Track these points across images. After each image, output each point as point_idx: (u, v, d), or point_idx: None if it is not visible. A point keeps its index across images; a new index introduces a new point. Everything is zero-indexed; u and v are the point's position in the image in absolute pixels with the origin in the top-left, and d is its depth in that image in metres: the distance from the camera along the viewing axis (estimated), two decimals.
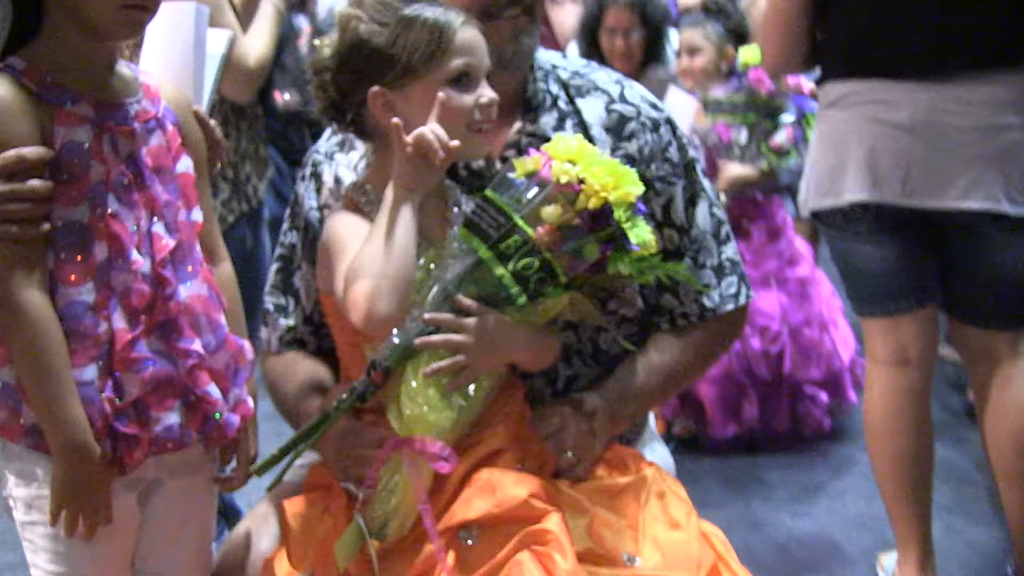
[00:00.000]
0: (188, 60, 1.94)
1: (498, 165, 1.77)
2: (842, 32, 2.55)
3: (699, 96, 3.77)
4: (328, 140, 1.93)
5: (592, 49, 4.01)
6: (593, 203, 1.54)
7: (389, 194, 1.58)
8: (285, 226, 1.95)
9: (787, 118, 3.65)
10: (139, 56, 1.84)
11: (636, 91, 1.91)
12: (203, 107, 1.89)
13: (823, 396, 3.68)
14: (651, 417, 2.08)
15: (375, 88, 1.64)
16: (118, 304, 1.54)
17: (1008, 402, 2.55)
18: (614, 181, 1.56)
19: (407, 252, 1.55)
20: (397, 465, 1.55)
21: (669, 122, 1.90)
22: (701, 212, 1.90)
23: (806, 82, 3.63)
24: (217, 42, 2.20)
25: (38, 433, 1.53)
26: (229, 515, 2.86)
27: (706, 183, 1.94)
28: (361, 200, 1.69)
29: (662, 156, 1.86)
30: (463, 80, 1.63)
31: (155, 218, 1.59)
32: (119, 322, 1.53)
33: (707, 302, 1.89)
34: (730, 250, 1.94)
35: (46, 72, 1.53)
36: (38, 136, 1.50)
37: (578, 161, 1.57)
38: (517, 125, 1.83)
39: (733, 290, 1.91)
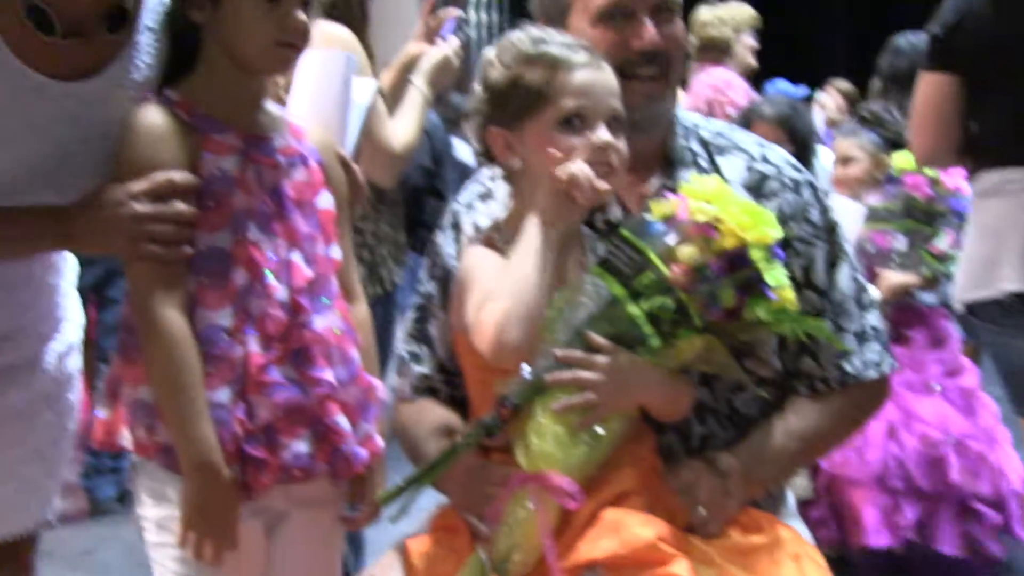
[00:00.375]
0: (335, 106, 2.01)
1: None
2: (998, 121, 2.52)
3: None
4: (469, 191, 1.97)
5: None
6: (729, 243, 1.53)
7: (529, 227, 1.59)
8: (423, 275, 1.98)
9: (946, 223, 3.54)
10: (287, 99, 1.92)
11: (778, 153, 1.92)
12: (347, 153, 1.94)
13: (995, 516, 3.40)
14: (790, 495, 2.01)
15: (493, 129, 1.68)
16: (254, 329, 1.58)
17: None
18: (751, 221, 1.55)
19: (540, 283, 1.56)
20: (522, 500, 1.53)
21: (811, 184, 1.89)
22: (843, 276, 1.87)
23: (965, 184, 3.49)
24: (363, 91, 2.27)
25: (171, 452, 1.56)
26: (355, 545, 2.87)
27: (849, 248, 1.91)
28: (496, 237, 1.71)
29: (803, 217, 1.85)
30: (575, 122, 1.63)
31: (294, 249, 1.63)
32: (254, 347, 1.57)
33: (848, 368, 1.83)
34: (873, 317, 1.89)
35: (198, 104, 1.60)
36: (187, 162, 1.57)
37: (715, 201, 1.56)
38: (656, 181, 1.84)
39: (875, 358, 1.86)
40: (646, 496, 1.58)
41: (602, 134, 1.63)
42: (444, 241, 1.95)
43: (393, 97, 2.85)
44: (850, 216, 3.55)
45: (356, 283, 1.82)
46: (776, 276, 1.56)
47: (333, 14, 2.69)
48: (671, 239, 1.55)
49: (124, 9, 1.65)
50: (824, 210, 1.88)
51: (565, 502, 1.50)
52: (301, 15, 1.61)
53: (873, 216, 3.61)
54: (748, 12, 5.05)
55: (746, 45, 5.02)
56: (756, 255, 1.53)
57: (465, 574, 1.53)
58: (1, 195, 1.62)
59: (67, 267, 1.88)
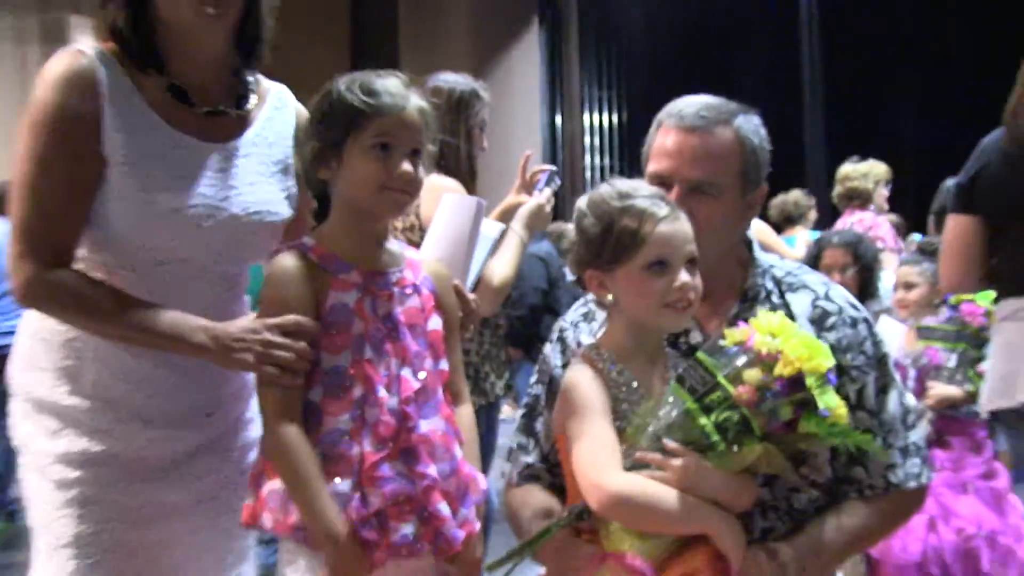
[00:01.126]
0: (463, 243, 2.16)
1: None
2: (1013, 257, 2.66)
3: (911, 324, 3.85)
4: (575, 311, 2.06)
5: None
6: (788, 371, 1.60)
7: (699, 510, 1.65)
8: (533, 379, 2.06)
9: (990, 349, 3.51)
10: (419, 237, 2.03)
11: (840, 292, 1.98)
12: (470, 281, 2.02)
13: None
14: None
15: (590, 271, 1.77)
16: (369, 432, 1.69)
17: None
18: (808, 353, 1.62)
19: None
20: (603, 574, 1.61)
21: (867, 321, 1.95)
22: (892, 400, 1.93)
23: None
24: (492, 228, 2.42)
25: (303, 529, 1.67)
26: None
27: (897, 376, 1.97)
28: (593, 356, 1.78)
29: (858, 348, 1.91)
30: (658, 267, 1.71)
31: (404, 365, 1.74)
32: (368, 447, 1.68)
33: (892, 478, 1.90)
34: (915, 435, 1.95)
35: (329, 247, 1.74)
36: (315, 298, 1.71)
37: (778, 335, 1.65)
38: (734, 311, 1.92)
39: (916, 470, 1.92)
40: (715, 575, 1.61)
41: (682, 276, 1.71)
42: (552, 353, 2.04)
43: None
44: (893, 335, 3.74)
45: (463, 388, 1.88)
46: (828, 400, 1.61)
47: (442, 166, 2.87)
48: (740, 362, 1.63)
49: (248, 91, 1.87)
50: (876, 343, 1.94)
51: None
52: (407, 165, 1.71)
53: (929, 335, 3.74)
54: (883, 168, 5.77)
55: (881, 195, 5.78)
56: (810, 382, 1.60)
57: None
58: (156, 248, 1.78)
59: None
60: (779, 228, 6.51)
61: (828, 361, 1.62)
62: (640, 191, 1.77)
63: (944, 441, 3.69)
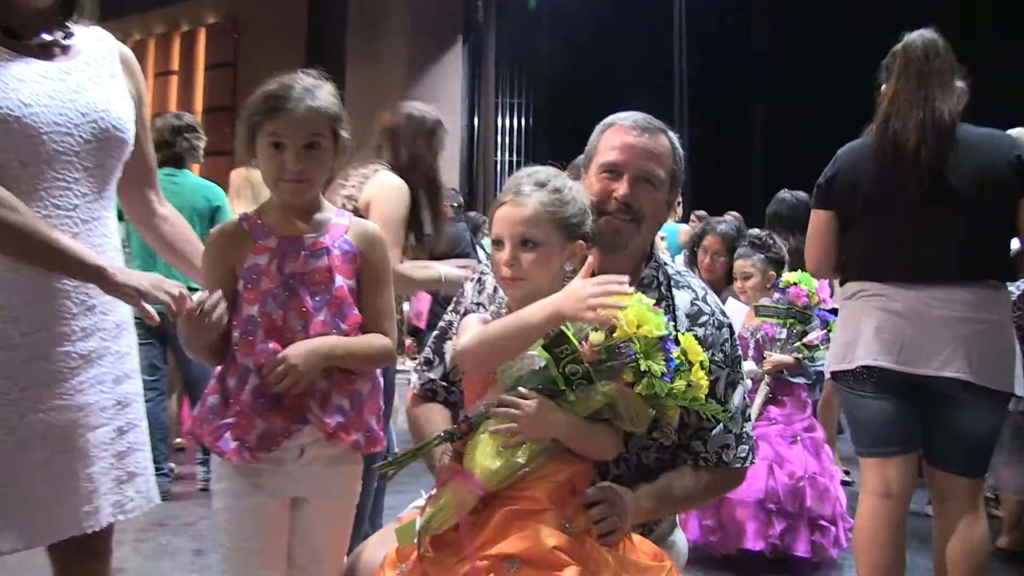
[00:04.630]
0: None
1: None
2: (855, 250, 2.66)
3: (751, 305, 3.84)
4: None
5: (693, 260, 4.18)
6: (618, 335, 1.55)
7: (540, 304, 1.59)
8: (450, 307, 2.04)
9: (815, 323, 3.71)
10: None
11: (714, 299, 1.98)
12: None
13: (833, 529, 3.54)
14: (680, 539, 2.06)
15: None
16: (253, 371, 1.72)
17: (961, 538, 2.50)
18: (638, 321, 1.55)
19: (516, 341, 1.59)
20: (450, 486, 1.57)
21: (730, 328, 1.96)
22: (737, 394, 1.93)
23: (828, 298, 3.73)
24: None
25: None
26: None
27: (744, 376, 1.98)
28: (494, 310, 1.77)
29: (719, 347, 1.90)
30: (496, 244, 1.70)
31: (297, 318, 1.73)
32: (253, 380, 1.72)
33: (725, 456, 1.90)
34: (749, 427, 1.95)
35: (261, 218, 1.77)
36: (240, 257, 1.74)
37: (629, 309, 1.57)
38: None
39: (744, 455, 1.93)
40: (559, 512, 1.56)
41: (505, 254, 1.67)
42: (470, 290, 2.01)
43: None
44: (737, 314, 3.75)
45: (387, 328, 1.83)
46: (651, 365, 1.54)
47: (404, 171, 2.94)
48: (591, 327, 1.57)
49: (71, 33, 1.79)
50: (733, 346, 1.95)
51: (473, 491, 1.52)
52: (296, 161, 1.71)
53: (765, 312, 3.76)
54: None
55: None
56: (636, 346, 1.55)
57: (404, 527, 1.60)
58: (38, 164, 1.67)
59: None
60: None
61: (658, 330, 1.55)
62: (524, 177, 1.72)
63: (777, 400, 3.73)
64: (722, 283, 4.01)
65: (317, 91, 1.73)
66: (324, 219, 1.80)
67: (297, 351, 1.70)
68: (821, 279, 3.57)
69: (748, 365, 3.61)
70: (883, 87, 2.67)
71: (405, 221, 2.90)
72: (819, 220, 2.73)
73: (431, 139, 3.09)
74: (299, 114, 1.70)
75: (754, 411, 3.57)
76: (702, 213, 7.95)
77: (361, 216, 2.47)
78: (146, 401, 1.99)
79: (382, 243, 1.86)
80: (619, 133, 1.93)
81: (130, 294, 1.70)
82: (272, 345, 1.71)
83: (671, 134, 1.97)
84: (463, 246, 6.12)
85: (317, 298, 1.74)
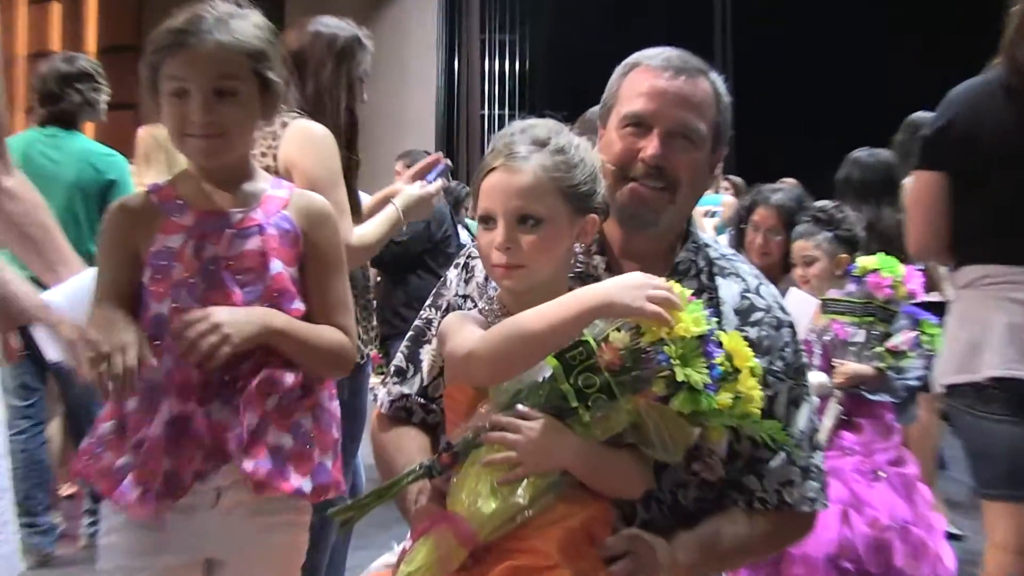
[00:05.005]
0: None
1: None
2: (975, 222, 2.65)
3: (817, 298, 3.80)
4: None
5: (741, 241, 4.18)
6: (648, 338, 1.56)
7: (580, 293, 1.61)
8: (428, 301, 2.06)
9: (901, 323, 3.71)
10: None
11: (771, 291, 2.01)
12: None
13: None
14: None
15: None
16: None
17: None
18: (677, 320, 1.56)
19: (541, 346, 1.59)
20: (431, 535, 1.58)
21: (791, 327, 1.98)
22: (803, 415, 1.95)
23: (920, 290, 3.72)
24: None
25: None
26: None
27: (812, 392, 2.00)
28: (484, 309, 1.78)
29: (778, 353, 1.93)
30: (485, 222, 1.70)
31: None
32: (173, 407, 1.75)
33: (787, 496, 1.91)
34: (819, 458, 1.97)
35: (176, 188, 1.81)
36: (147, 239, 1.78)
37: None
38: None
39: (813, 495, 1.94)
40: (571, 568, 1.56)
41: (499, 235, 1.67)
42: (456, 279, 2.02)
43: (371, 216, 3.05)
44: (804, 308, 3.68)
45: (345, 323, 1.88)
46: (690, 374, 1.54)
47: (316, 115, 2.92)
48: (615, 324, 1.58)
49: None
50: (797, 352, 1.96)
51: (462, 542, 1.53)
52: (203, 111, 1.74)
53: (834, 308, 3.74)
54: None
55: None
56: (670, 350, 1.55)
57: None
58: None
59: None
60: None
61: (697, 327, 1.57)
62: (517, 134, 1.73)
63: (853, 423, 3.70)
64: (779, 269, 4.01)
65: (235, 22, 1.75)
66: (256, 190, 1.84)
67: (227, 311, 1.72)
68: (922, 262, 3.58)
69: (816, 377, 3.58)
70: (1015, 7, 2.66)
71: (343, 179, 2.89)
72: (925, 184, 2.74)
73: (345, 64, 3.07)
74: (205, 50, 1.73)
75: (823, 436, 3.54)
76: (737, 179, 7.84)
77: None
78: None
79: (331, 220, 1.90)
80: (647, 75, 1.95)
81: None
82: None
83: (714, 76, 1.98)
84: (445, 227, 6.15)
85: (247, 288, 1.77)
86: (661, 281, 1.61)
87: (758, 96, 8.07)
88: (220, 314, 1.71)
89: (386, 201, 3.15)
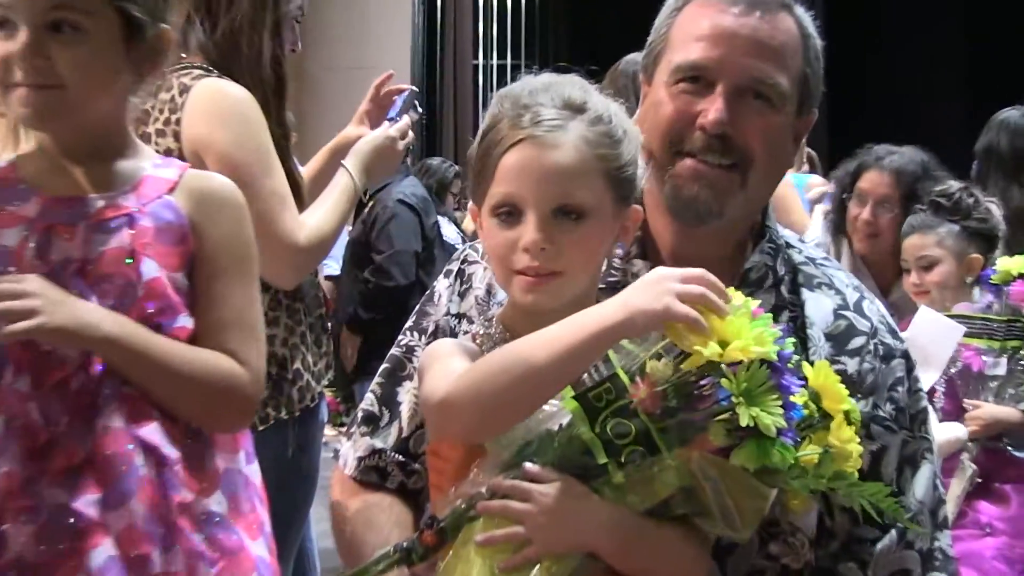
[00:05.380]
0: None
1: None
2: None
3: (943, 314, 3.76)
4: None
5: (841, 222, 4.15)
6: (690, 362, 1.53)
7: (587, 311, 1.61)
8: (408, 323, 2.08)
9: None
10: None
11: (878, 308, 2.01)
12: None
13: None
14: None
15: (472, 205, 1.81)
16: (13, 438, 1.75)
17: None
18: (730, 337, 1.54)
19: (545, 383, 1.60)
20: None
21: (906, 357, 1.98)
22: (922, 479, 1.95)
23: None
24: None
25: None
26: None
27: (934, 448, 1.99)
28: (481, 333, 1.81)
29: (886, 393, 1.94)
30: (505, 213, 1.71)
31: None
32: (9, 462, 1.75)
33: None
34: (945, 540, 1.97)
35: (21, 168, 1.86)
36: None
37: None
38: None
39: None
40: None
41: (530, 233, 1.68)
42: (447, 292, 2.05)
43: (318, 185, 3.02)
44: (944, 336, 3.60)
45: (241, 349, 1.88)
46: (761, 418, 1.51)
47: (230, 69, 2.90)
48: (654, 349, 1.57)
49: None
50: (914, 392, 1.98)
51: None
52: (26, 49, 1.75)
53: (966, 328, 3.63)
54: None
55: None
56: (728, 383, 1.52)
57: None
58: None
59: None
60: None
61: (762, 348, 1.54)
62: (539, 92, 1.74)
63: (992, 490, 3.64)
64: (890, 260, 3.99)
65: None
66: (130, 169, 1.89)
67: (51, 286, 1.73)
68: None
69: (945, 430, 3.52)
70: None
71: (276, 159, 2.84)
72: None
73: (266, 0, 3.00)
74: None
75: (950, 507, 3.47)
76: (812, 153, 7.90)
77: None
78: None
79: (235, 208, 1.93)
80: (707, 11, 1.96)
81: None
82: (24, 385, 1.76)
83: (799, 11, 2.00)
84: (433, 220, 6.30)
85: (110, 300, 1.79)
86: (695, 271, 1.58)
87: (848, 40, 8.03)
88: (37, 283, 1.72)
89: (333, 156, 3.15)
